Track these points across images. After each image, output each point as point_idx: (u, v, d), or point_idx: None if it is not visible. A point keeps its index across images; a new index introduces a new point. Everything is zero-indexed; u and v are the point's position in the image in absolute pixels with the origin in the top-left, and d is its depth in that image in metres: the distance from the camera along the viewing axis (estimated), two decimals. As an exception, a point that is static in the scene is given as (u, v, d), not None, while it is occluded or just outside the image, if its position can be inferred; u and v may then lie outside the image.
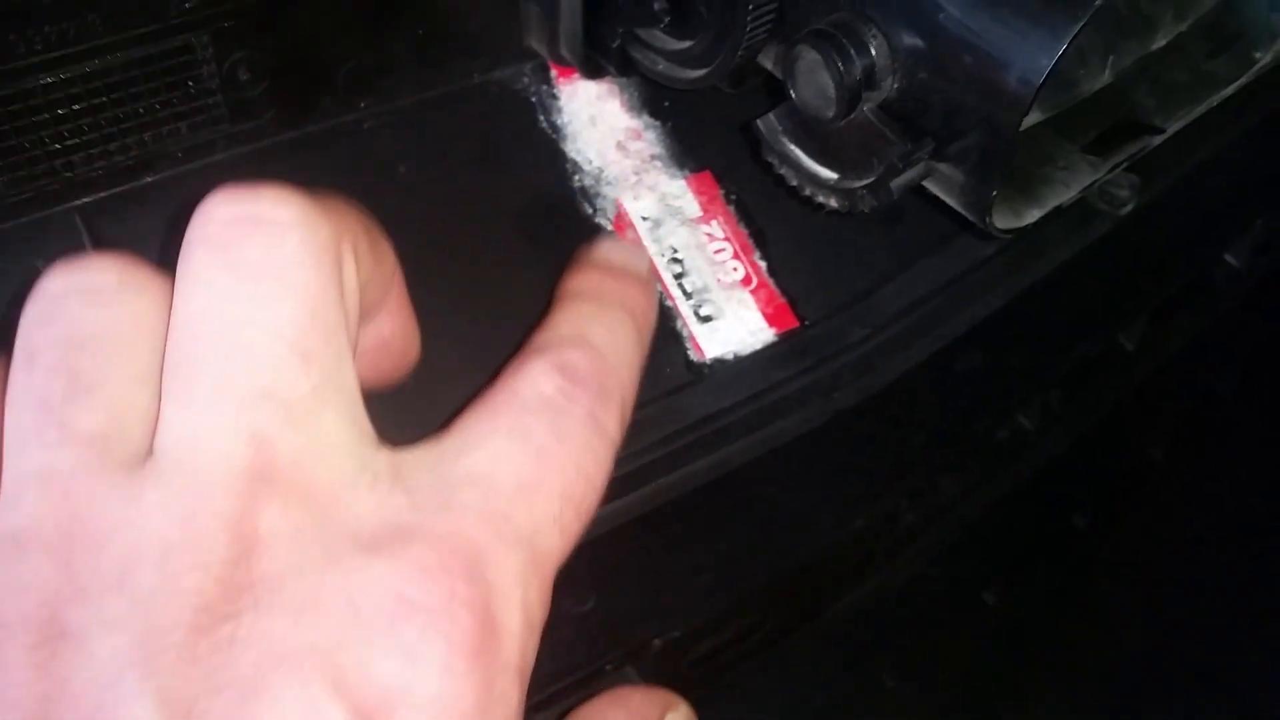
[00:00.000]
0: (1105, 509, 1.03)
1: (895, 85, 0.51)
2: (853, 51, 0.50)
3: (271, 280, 0.33)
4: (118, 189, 0.56)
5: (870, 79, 0.51)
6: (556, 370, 0.39)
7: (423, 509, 0.33)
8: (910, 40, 0.50)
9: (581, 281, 0.47)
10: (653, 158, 0.65)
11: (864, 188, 0.53)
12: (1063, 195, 0.58)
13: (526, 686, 0.34)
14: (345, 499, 0.33)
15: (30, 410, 0.33)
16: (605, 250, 0.49)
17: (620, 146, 0.65)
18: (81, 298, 0.34)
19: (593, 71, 0.63)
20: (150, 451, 0.32)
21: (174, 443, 0.32)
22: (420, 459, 0.35)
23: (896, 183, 0.51)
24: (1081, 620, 1.01)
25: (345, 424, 0.34)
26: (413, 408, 0.57)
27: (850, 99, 0.50)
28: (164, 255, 0.57)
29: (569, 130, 0.65)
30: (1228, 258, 0.87)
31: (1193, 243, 0.84)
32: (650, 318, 0.47)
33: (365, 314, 0.39)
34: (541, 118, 0.65)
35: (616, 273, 0.47)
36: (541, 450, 0.36)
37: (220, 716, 0.29)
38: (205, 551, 0.30)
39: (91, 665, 0.29)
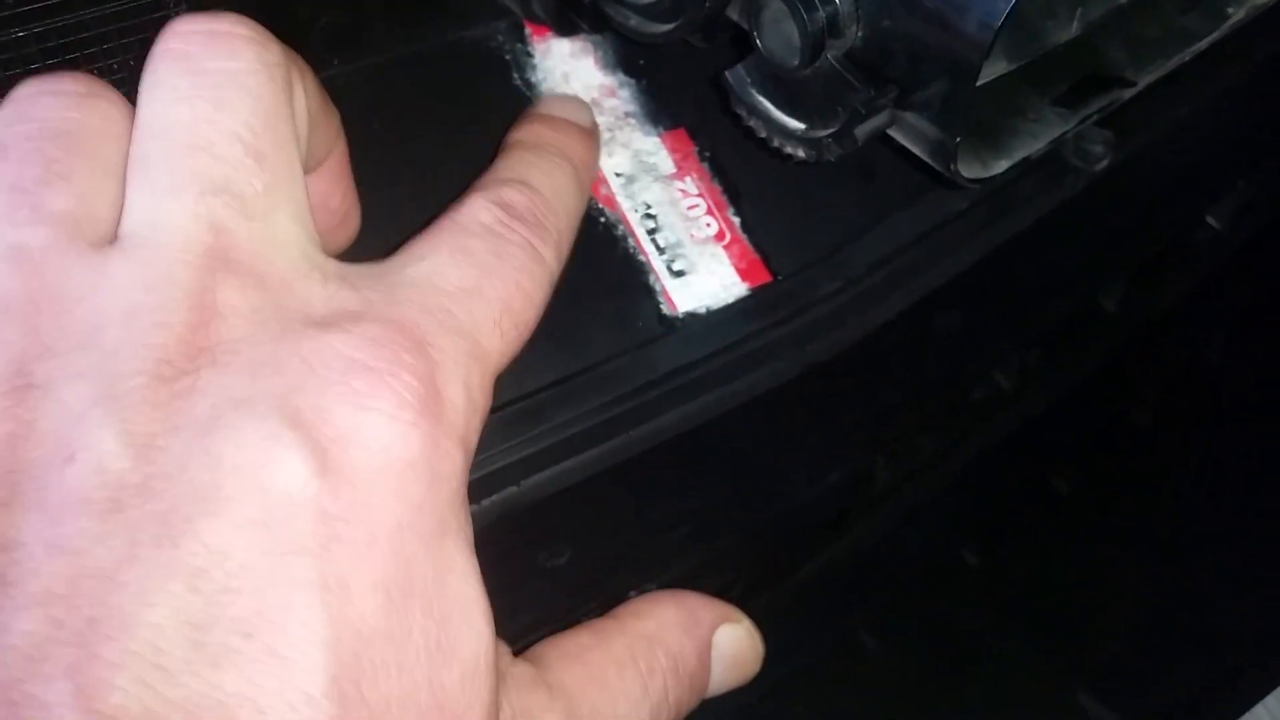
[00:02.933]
0: (1088, 474, 1.04)
1: (859, 34, 0.52)
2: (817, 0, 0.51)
3: (229, 86, 0.36)
4: (93, 145, 0.57)
5: (834, 26, 0.51)
6: (496, 204, 0.42)
7: (370, 301, 0.36)
8: (874, -12, 0.51)
9: (524, 132, 0.51)
10: (626, 115, 0.66)
11: (829, 136, 0.53)
12: (1031, 147, 0.58)
13: (470, 462, 0.37)
14: (297, 287, 0.35)
15: (3, 194, 0.35)
16: (548, 103, 0.53)
17: (595, 104, 0.65)
18: (54, 98, 0.37)
19: (566, 29, 0.64)
20: (116, 235, 0.35)
21: (139, 224, 0.35)
22: (366, 269, 0.39)
23: (860, 130, 0.51)
24: (1064, 582, 1.01)
25: (296, 226, 0.37)
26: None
27: (814, 47, 0.51)
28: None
29: (543, 88, 0.65)
30: (1209, 219, 0.88)
31: (1172, 203, 0.84)
32: (590, 166, 0.51)
33: (311, 162, 0.41)
34: (516, 75, 0.65)
35: (558, 123, 0.51)
36: (482, 264, 0.40)
37: (181, 447, 0.31)
38: (168, 313, 0.33)
39: (58, 408, 0.31)
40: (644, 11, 0.59)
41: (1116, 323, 0.88)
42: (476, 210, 0.42)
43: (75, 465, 0.30)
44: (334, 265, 0.38)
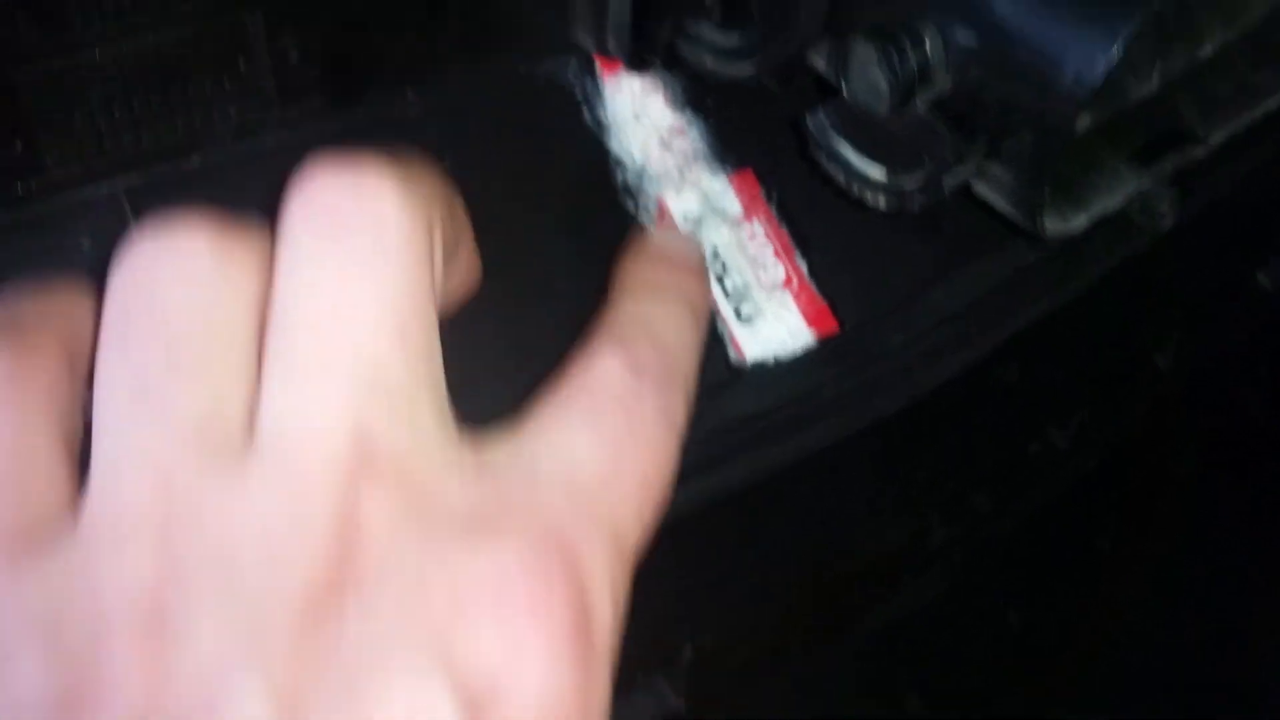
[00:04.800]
0: (1129, 530, 1.02)
1: (949, 82, 0.51)
2: (908, 46, 0.50)
3: (375, 253, 0.33)
4: (163, 170, 0.56)
5: (924, 75, 0.50)
6: (625, 365, 0.39)
7: (512, 500, 0.33)
8: (965, 36, 0.50)
9: (640, 273, 0.48)
10: (695, 155, 0.65)
11: (914, 185, 0.52)
12: (1108, 202, 0.58)
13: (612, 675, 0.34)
14: (440, 489, 0.32)
15: (124, 389, 0.32)
16: (661, 241, 0.50)
17: (663, 143, 0.65)
18: (174, 269, 0.33)
19: (638, 65, 0.63)
20: (251, 434, 0.32)
21: (276, 428, 0.31)
22: (502, 451, 0.35)
23: (948, 180, 0.51)
24: (1104, 643, 1.00)
25: (437, 413, 0.34)
26: (464, 398, 0.56)
27: (904, 94, 0.50)
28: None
29: (613, 125, 0.65)
30: (1260, 277, 0.87)
31: (1228, 259, 0.83)
32: (706, 306, 0.48)
33: (445, 289, 0.39)
34: (586, 112, 0.65)
35: (673, 263, 0.48)
36: (618, 444, 0.37)
37: (330, 705, 0.29)
38: (310, 542, 0.30)
39: (198, 658, 0.29)
40: (723, 52, 0.59)
41: (1167, 379, 0.87)
42: (606, 374, 0.39)
43: None
44: (470, 454, 0.34)
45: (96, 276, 0.54)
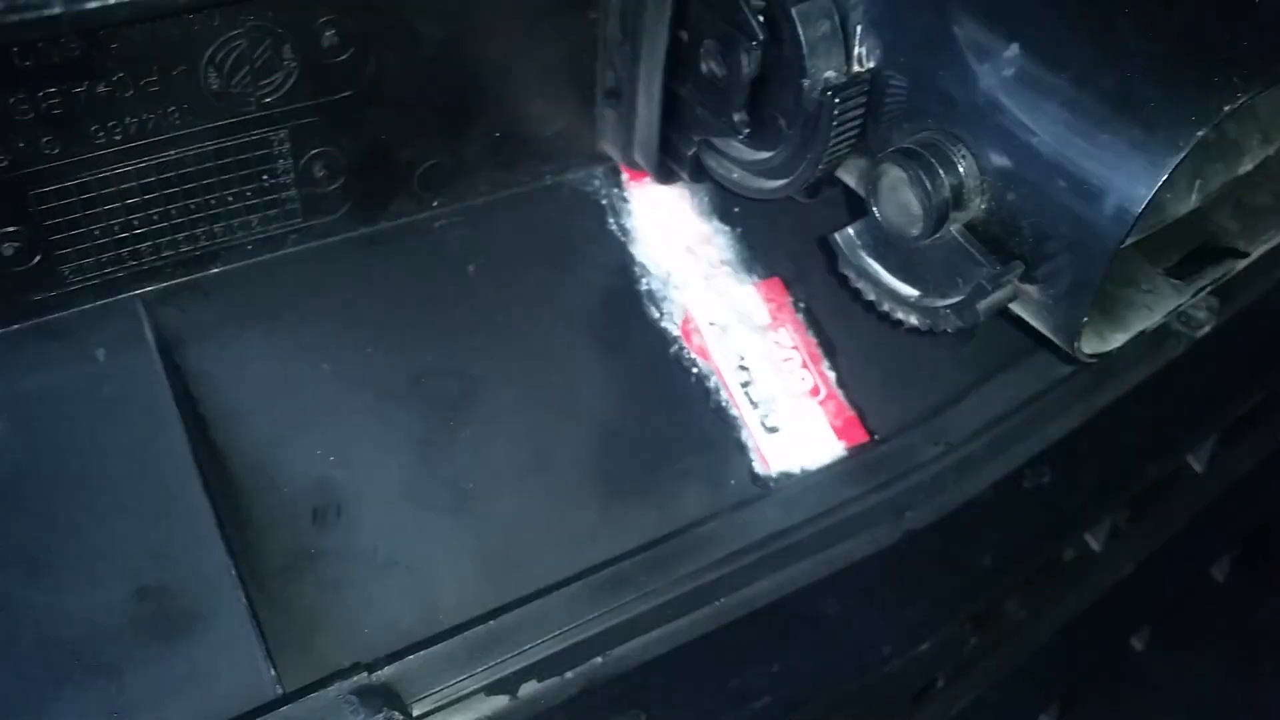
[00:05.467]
0: (1164, 630, 1.00)
1: (983, 206, 0.50)
2: (940, 170, 0.49)
3: None
4: (183, 279, 0.56)
5: (958, 199, 0.49)
6: None
7: None
8: (1000, 161, 0.49)
9: None
10: (722, 263, 0.64)
11: (948, 307, 0.51)
12: (1147, 320, 0.56)
13: None
14: None
15: None
16: None
17: (689, 250, 0.64)
18: None
19: (666, 177, 0.62)
20: None
21: None
22: None
23: (983, 304, 0.50)
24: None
25: None
26: (485, 505, 0.55)
27: (938, 218, 0.49)
28: (224, 351, 0.57)
29: (638, 233, 0.64)
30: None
31: (1262, 363, 0.81)
32: None
33: None
34: (611, 220, 0.64)
35: None
36: None
37: None
38: None
39: None
40: (751, 167, 0.58)
41: (1203, 483, 0.85)
42: None
43: None
44: None
45: (111, 388, 0.54)
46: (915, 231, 0.50)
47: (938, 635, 0.66)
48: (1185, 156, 0.46)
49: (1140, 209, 0.46)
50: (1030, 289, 0.51)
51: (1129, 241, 0.57)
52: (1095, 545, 0.78)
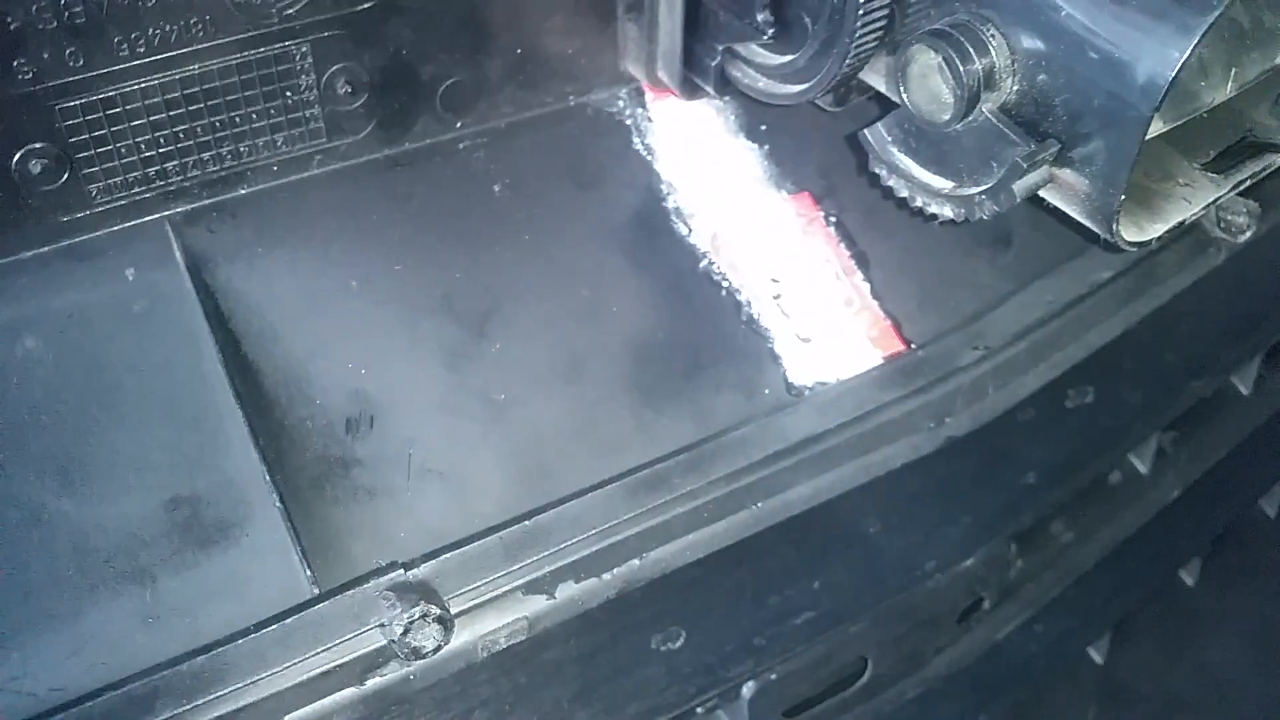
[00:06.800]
0: (1214, 565, 0.98)
1: (1015, 87, 0.49)
2: (972, 51, 0.48)
3: None
4: (210, 200, 0.56)
5: (990, 79, 0.48)
6: None
7: None
8: (1030, 40, 0.48)
9: None
10: (750, 179, 0.64)
11: (982, 193, 0.50)
12: (1185, 212, 0.55)
13: None
14: None
15: None
16: None
17: (717, 167, 0.63)
18: None
19: (690, 92, 0.62)
20: None
21: None
22: None
23: (1019, 185, 0.49)
24: (1192, 682, 0.95)
25: None
26: (516, 415, 0.55)
27: (970, 100, 0.48)
28: (252, 270, 0.57)
29: (665, 152, 0.63)
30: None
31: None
32: None
33: None
34: (636, 139, 0.63)
35: None
36: None
37: None
38: None
39: None
40: (775, 73, 0.57)
41: (1250, 407, 0.84)
42: None
43: None
44: None
45: (141, 305, 0.54)
46: (947, 116, 0.49)
47: (981, 553, 0.65)
48: (1212, 34, 0.45)
49: (1172, 74, 0.44)
50: (1066, 174, 0.50)
51: (1163, 129, 0.57)
52: (1142, 468, 0.76)
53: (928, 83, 0.50)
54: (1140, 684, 0.95)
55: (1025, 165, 0.48)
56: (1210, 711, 0.95)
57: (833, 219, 0.63)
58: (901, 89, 0.51)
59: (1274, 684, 0.95)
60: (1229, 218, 0.67)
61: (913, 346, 0.59)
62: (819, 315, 0.60)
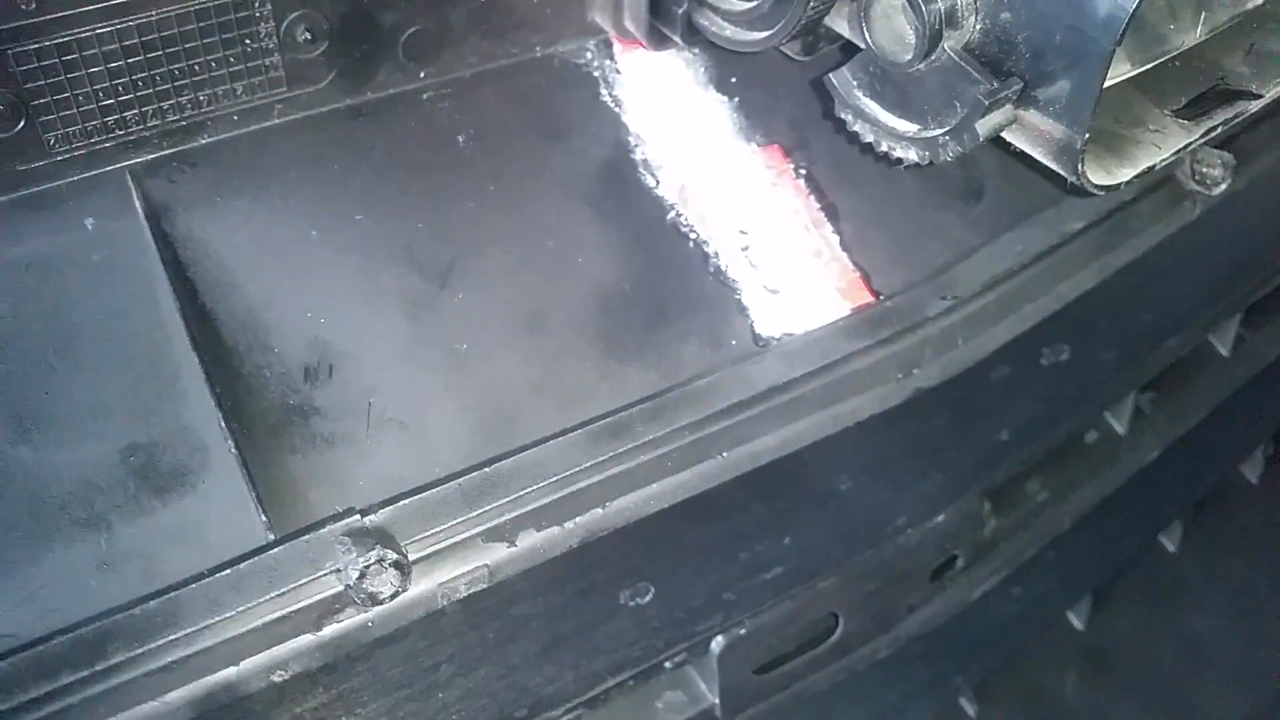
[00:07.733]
0: (1196, 530, 0.97)
1: (977, 25, 0.48)
2: (932, -11, 0.48)
3: None
4: (170, 150, 0.55)
5: (951, 17, 0.48)
6: None
7: None
8: (993, -24, 0.48)
9: None
10: (719, 131, 0.63)
11: (946, 134, 0.50)
12: (1155, 157, 0.54)
13: None
14: None
15: None
16: None
17: (686, 119, 0.63)
18: None
19: (658, 42, 0.61)
20: None
21: None
22: None
23: (982, 124, 0.48)
24: (1173, 649, 0.94)
25: None
26: (480, 367, 0.54)
27: (932, 38, 0.48)
28: (212, 219, 0.56)
29: (633, 104, 0.63)
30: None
31: (1288, 240, 0.79)
32: None
33: None
34: (604, 91, 0.63)
35: None
36: None
37: None
38: None
39: None
40: (740, 19, 0.57)
41: (1229, 368, 0.83)
42: None
43: None
44: None
45: (100, 254, 0.54)
46: (910, 55, 0.49)
47: (953, 509, 0.65)
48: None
49: (1132, 7, 0.44)
50: (1030, 115, 0.49)
51: (1131, 72, 0.56)
52: (1119, 428, 0.76)
53: (891, 23, 0.49)
54: (1121, 650, 0.95)
55: (988, 103, 0.47)
56: (1191, 678, 0.95)
57: (803, 171, 0.63)
58: (865, 30, 0.50)
59: (1255, 651, 0.95)
60: (1203, 170, 0.67)
61: (881, 297, 0.58)
62: (787, 267, 0.59)
